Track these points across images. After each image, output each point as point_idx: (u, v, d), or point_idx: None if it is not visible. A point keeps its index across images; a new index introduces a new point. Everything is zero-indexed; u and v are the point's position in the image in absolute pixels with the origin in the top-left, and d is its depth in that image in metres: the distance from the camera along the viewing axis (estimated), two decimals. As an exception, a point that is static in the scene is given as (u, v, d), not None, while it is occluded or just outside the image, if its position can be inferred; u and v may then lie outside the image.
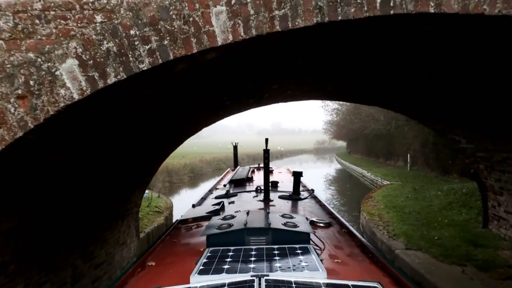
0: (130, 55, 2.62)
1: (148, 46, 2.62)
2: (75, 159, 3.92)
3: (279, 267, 2.28)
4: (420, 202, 11.36)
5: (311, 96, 7.26)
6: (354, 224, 10.67)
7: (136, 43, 2.62)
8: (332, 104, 52.32)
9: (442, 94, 5.67)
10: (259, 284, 1.94)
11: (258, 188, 6.50)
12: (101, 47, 2.62)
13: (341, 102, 44.76)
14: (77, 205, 4.92)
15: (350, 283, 2.06)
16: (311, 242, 2.87)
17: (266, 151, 5.81)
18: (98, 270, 6.01)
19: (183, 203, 17.01)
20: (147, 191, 13.11)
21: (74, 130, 3.17)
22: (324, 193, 21.28)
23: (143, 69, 2.62)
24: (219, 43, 2.61)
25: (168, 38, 2.61)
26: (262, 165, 7.58)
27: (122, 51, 2.62)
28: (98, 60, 2.62)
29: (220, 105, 5.74)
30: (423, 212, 9.98)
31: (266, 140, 6.01)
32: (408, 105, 6.78)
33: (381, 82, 5.09)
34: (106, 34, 2.62)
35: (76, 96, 2.61)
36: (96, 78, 2.61)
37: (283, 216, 3.27)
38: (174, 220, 12.12)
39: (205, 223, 3.90)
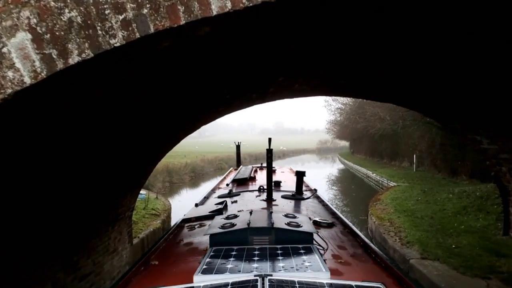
0: (98, 28, 2.03)
1: (122, 16, 2.03)
2: (47, 158, 3.34)
3: (282, 267, 2.28)
4: (432, 205, 10.73)
5: (319, 92, 6.66)
6: (362, 229, 10.07)
7: (106, 12, 2.03)
8: (335, 104, 51.65)
9: (467, 90, 5.07)
10: (263, 284, 1.95)
11: (261, 187, 6.46)
12: (62, 17, 2.03)
13: (344, 102, 44.00)
14: (58, 210, 4.35)
15: (353, 283, 2.07)
16: (314, 242, 2.88)
17: (269, 151, 5.72)
18: (83, 282, 5.43)
19: (183, 204, 16.43)
20: (144, 192, 12.55)
21: (34, 123, 2.58)
22: (328, 194, 20.66)
23: (115, 45, 2.03)
24: (214, 13, 2.01)
25: (148, 5, 2.01)
26: (264, 164, 7.62)
27: (89, 22, 2.03)
28: (57, 33, 2.03)
29: (220, 100, 5.15)
30: (436, 217, 9.35)
31: (269, 139, 5.84)
32: (427, 103, 6.17)
33: (405, 75, 4.48)
34: (68, 1, 2.03)
35: (27, 80, 2.01)
36: (54, 56, 2.02)
37: (286, 216, 3.27)
38: (172, 224, 11.57)
39: (208, 222, 3.95)
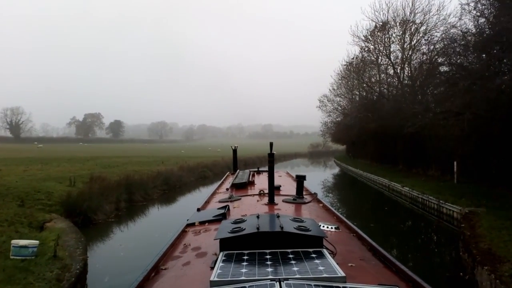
0: None
1: None
2: None
3: (297, 270, 2.28)
4: None
5: None
6: None
7: None
8: (330, 105, 45.72)
9: None
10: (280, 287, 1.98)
11: (261, 191, 6.41)
12: None
13: (342, 103, 37.75)
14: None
15: (370, 287, 2.11)
16: (323, 246, 2.89)
17: (271, 155, 5.68)
18: None
19: (130, 262, 9.97)
20: (34, 242, 6.25)
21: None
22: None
23: None
24: None
25: None
26: (261, 168, 8.95)
27: None
28: None
29: None
30: None
31: (271, 144, 5.60)
32: None
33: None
34: None
35: None
36: None
37: (293, 220, 3.30)
38: None
39: (212, 227, 4.08)
